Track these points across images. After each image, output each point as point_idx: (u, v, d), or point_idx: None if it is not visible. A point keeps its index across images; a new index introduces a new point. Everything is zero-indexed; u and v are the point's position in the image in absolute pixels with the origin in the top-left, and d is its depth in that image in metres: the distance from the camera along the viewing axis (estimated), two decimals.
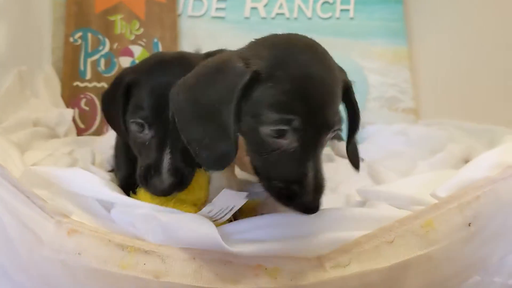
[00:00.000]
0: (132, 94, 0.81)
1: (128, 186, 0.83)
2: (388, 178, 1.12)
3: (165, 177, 0.75)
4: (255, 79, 0.63)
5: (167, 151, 0.76)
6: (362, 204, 0.94)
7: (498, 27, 1.66)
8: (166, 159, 0.75)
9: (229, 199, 0.69)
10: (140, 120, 0.78)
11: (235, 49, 0.73)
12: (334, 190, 1.05)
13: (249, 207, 0.95)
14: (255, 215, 0.88)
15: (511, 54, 1.55)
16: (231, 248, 0.66)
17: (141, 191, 0.81)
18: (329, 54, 0.70)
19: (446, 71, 1.79)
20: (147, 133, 0.78)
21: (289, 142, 0.64)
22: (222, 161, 0.66)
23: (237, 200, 0.70)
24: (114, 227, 0.70)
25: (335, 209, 0.77)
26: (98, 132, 1.56)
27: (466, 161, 1.20)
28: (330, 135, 0.68)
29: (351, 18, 1.89)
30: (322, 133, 0.66)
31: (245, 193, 0.70)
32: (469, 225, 0.69)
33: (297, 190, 0.65)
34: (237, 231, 0.71)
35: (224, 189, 0.68)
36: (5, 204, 0.63)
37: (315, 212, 0.66)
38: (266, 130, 0.64)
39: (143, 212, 0.69)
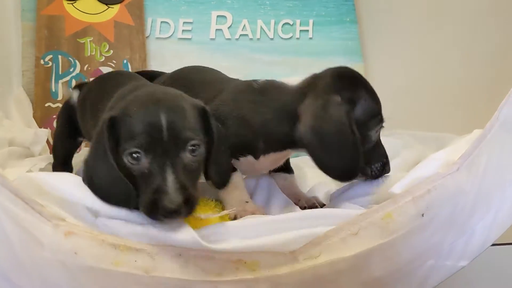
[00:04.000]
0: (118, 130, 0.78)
1: None
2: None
3: (174, 196, 0.71)
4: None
5: (169, 171, 0.74)
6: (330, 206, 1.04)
7: (441, 45, 1.84)
8: (170, 179, 0.73)
9: None
10: (134, 149, 0.75)
11: None
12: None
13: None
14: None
15: (454, 69, 1.71)
16: (214, 246, 0.74)
17: None
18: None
19: (399, 85, 1.94)
20: (144, 161, 0.76)
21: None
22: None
23: None
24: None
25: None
26: None
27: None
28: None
29: (310, 38, 2.01)
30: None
31: None
32: (422, 215, 0.79)
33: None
34: (218, 232, 0.78)
35: None
36: (6, 211, 0.68)
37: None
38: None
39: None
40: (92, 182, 0.78)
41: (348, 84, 0.93)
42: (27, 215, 0.68)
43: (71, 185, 0.79)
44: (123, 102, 0.82)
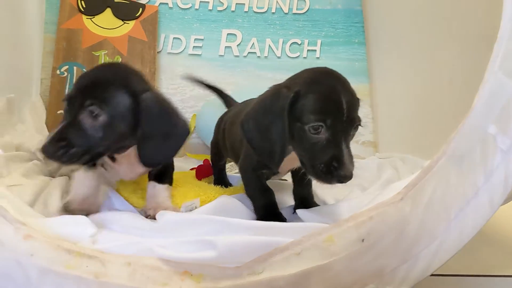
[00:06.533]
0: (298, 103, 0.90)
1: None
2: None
3: (349, 167, 0.86)
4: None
5: (344, 145, 0.88)
6: None
7: (448, 70, 1.83)
8: (346, 152, 0.87)
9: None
10: (318, 123, 0.88)
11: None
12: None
13: None
14: None
15: (457, 92, 1.71)
16: (164, 252, 0.80)
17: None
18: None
19: (403, 107, 1.95)
20: (323, 134, 0.88)
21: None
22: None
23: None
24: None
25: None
26: None
27: None
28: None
29: (317, 58, 2.06)
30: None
31: None
32: (363, 241, 0.82)
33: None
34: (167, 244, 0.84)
35: None
36: None
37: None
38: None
39: None
40: None
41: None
42: None
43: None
44: None
